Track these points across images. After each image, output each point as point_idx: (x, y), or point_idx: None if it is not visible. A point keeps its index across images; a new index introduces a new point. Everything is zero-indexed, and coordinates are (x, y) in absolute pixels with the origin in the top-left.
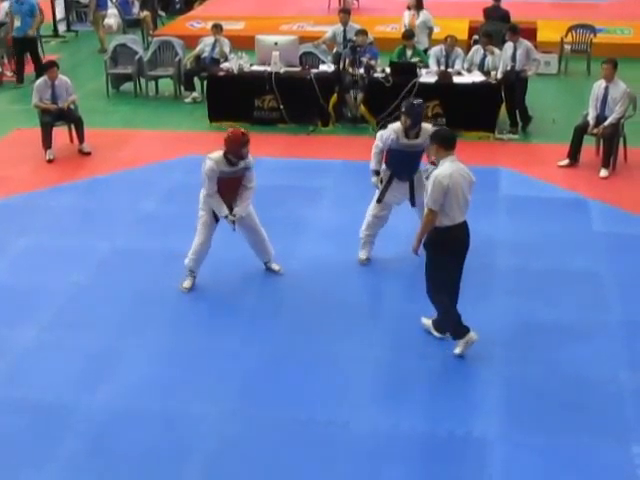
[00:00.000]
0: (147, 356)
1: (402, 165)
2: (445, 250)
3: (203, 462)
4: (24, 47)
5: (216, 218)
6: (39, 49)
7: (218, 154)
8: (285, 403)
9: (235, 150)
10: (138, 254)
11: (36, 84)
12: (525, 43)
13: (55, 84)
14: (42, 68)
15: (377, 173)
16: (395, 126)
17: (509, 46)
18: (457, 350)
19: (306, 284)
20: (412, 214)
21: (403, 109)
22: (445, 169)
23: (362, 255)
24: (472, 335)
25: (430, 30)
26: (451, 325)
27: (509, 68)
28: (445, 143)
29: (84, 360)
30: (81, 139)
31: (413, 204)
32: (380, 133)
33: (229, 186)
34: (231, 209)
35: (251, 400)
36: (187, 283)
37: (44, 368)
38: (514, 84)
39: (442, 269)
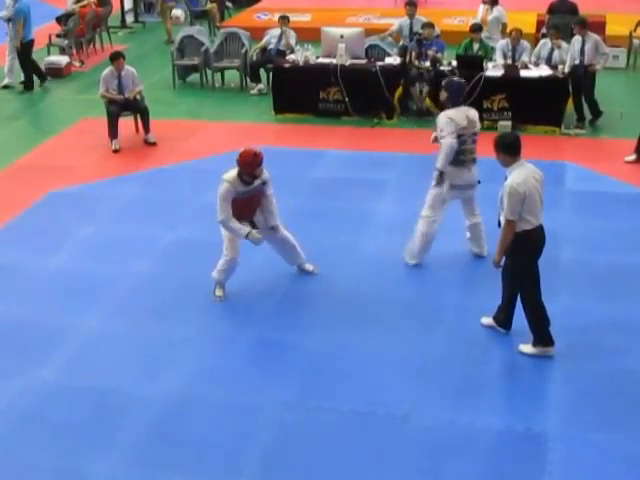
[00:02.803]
0: (207, 345)
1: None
2: (528, 252)
3: (262, 452)
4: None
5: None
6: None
7: (232, 175)
8: (344, 395)
9: (249, 172)
10: (201, 244)
11: (103, 74)
12: (594, 37)
13: (121, 74)
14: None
15: (442, 174)
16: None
17: (577, 40)
18: (526, 349)
19: (367, 278)
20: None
21: (443, 83)
22: (517, 176)
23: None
24: (551, 350)
25: (503, 26)
26: (538, 330)
27: (577, 62)
28: (510, 150)
29: (145, 348)
30: (147, 129)
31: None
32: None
33: (247, 203)
34: (252, 223)
35: (311, 391)
36: (219, 291)
37: (106, 356)
38: (582, 78)
39: (527, 271)
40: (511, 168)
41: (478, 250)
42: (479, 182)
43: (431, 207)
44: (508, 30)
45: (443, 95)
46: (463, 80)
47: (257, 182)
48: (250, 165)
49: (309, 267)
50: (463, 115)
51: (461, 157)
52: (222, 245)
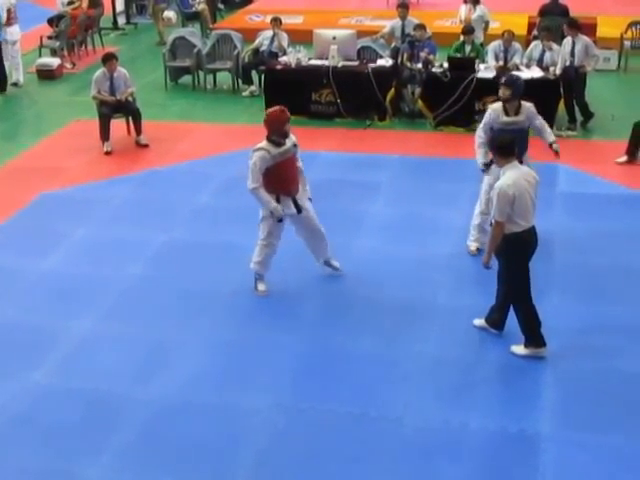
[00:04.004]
0: (201, 348)
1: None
2: (518, 254)
3: (255, 455)
4: None
5: (279, 218)
6: None
7: (263, 142)
8: (337, 397)
9: (279, 128)
10: (194, 246)
11: (95, 76)
12: (584, 39)
13: (114, 76)
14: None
15: (487, 166)
16: (494, 105)
17: (568, 41)
18: (517, 350)
19: (361, 279)
20: (468, 208)
21: (503, 81)
22: (508, 178)
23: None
24: (543, 351)
25: (486, 24)
26: (529, 331)
27: (568, 64)
28: (504, 151)
29: (139, 351)
30: (138, 131)
31: None
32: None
33: (287, 169)
34: (295, 203)
35: (304, 394)
36: (261, 286)
37: (99, 359)
38: (572, 80)
39: (517, 273)
40: (504, 169)
41: None
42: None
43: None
44: (501, 32)
45: (505, 92)
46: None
47: (288, 143)
48: (279, 120)
49: (335, 263)
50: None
51: None
52: (216, 247)
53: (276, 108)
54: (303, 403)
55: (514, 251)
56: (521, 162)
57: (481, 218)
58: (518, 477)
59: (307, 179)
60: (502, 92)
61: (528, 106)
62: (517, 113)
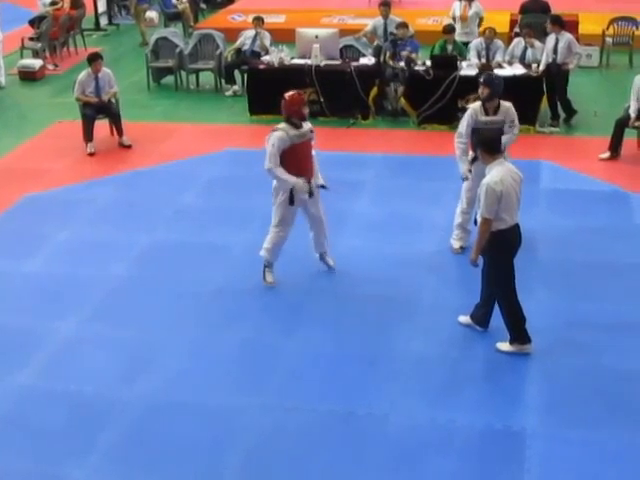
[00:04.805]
0: (186, 349)
1: None
2: (503, 252)
3: (242, 454)
4: None
5: (291, 200)
6: None
7: (281, 124)
8: (324, 397)
9: (297, 110)
10: (178, 247)
11: (79, 77)
12: (567, 36)
13: (99, 76)
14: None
15: (470, 172)
16: (473, 105)
17: (551, 38)
18: (503, 347)
19: (345, 278)
20: (452, 206)
21: (482, 80)
22: (495, 175)
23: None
24: (528, 348)
25: (480, 20)
26: (514, 328)
27: (550, 60)
28: (490, 148)
29: (123, 353)
30: (120, 132)
31: None
32: None
33: (304, 152)
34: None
35: (289, 394)
36: (269, 277)
37: (83, 360)
38: (555, 77)
39: (502, 270)
40: (490, 166)
41: None
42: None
43: None
44: (482, 29)
45: (483, 92)
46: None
47: (306, 127)
48: (297, 102)
49: (330, 261)
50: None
51: None
52: (199, 247)
53: (293, 92)
54: (288, 403)
55: (499, 248)
56: None
57: (462, 217)
58: (504, 473)
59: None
60: (481, 91)
61: (507, 106)
62: (496, 112)
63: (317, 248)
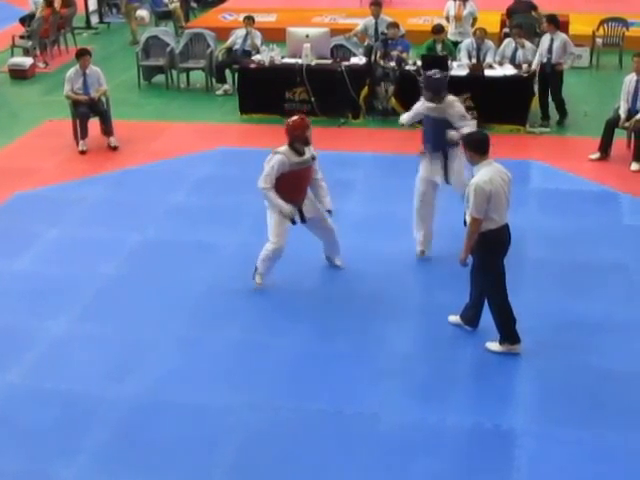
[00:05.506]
0: (175, 348)
1: (429, 134)
2: (493, 252)
3: (231, 453)
4: None
5: (292, 220)
6: None
7: (284, 147)
8: (313, 396)
9: (301, 135)
10: (168, 246)
11: (68, 74)
12: (562, 36)
13: (87, 73)
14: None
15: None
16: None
17: (546, 38)
18: (492, 347)
19: (334, 277)
20: (442, 206)
21: (421, 84)
22: (484, 174)
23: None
24: (518, 348)
25: (474, 20)
26: (504, 328)
27: (545, 60)
28: (478, 148)
29: (113, 352)
30: (109, 132)
31: (447, 180)
32: None
33: (301, 179)
34: (300, 211)
35: (278, 393)
36: (259, 278)
37: (73, 359)
38: (549, 76)
39: (492, 270)
40: (478, 166)
41: None
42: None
43: None
44: (473, 29)
45: (426, 94)
46: (436, 71)
47: (308, 154)
48: (301, 127)
49: (338, 262)
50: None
51: None
52: (189, 246)
53: (297, 117)
54: (277, 402)
55: (489, 249)
56: (446, 155)
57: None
58: (494, 472)
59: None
60: (424, 94)
61: (451, 100)
62: (441, 102)
63: (329, 252)
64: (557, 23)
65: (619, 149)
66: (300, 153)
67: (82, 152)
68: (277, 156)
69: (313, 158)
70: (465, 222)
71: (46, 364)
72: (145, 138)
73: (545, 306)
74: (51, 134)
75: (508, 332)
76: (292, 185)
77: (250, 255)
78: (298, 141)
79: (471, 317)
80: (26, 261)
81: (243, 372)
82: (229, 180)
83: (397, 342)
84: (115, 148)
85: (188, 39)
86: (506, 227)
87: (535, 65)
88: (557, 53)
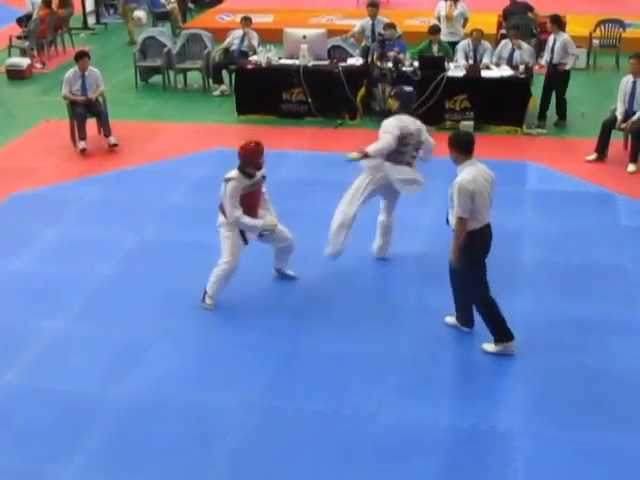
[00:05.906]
0: (172, 348)
1: None
2: (477, 251)
3: (228, 454)
4: None
5: (244, 239)
6: None
7: (235, 173)
8: (309, 396)
9: (254, 161)
10: (165, 246)
11: (66, 75)
12: (564, 36)
13: (85, 75)
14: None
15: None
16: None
17: (551, 38)
18: (488, 348)
19: (328, 279)
20: (437, 207)
21: (392, 93)
22: (467, 174)
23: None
24: (512, 345)
25: (465, 21)
26: (495, 327)
27: (549, 60)
28: (464, 148)
29: (111, 351)
30: (107, 132)
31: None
32: None
33: (252, 199)
34: (241, 232)
35: (276, 393)
36: (209, 300)
37: (71, 359)
38: (552, 77)
39: (476, 269)
40: (462, 166)
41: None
42: None
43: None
44: (469, 31)
45: (394, 104)
46: (412, 89)
47: (259, 175)
48: (254, 155)
49: (290, 272)
50: (413, 121)
51: (400, 157)
52: (187, 246)
53: (250, 142)
54: (274, 402)
55: (472, 249)
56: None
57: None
58: (490, 474)
59: (276, 181)
60: (392, 104)
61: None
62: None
63: (279, 264)
64: (559, 23)
65: (616, 150)
66: (251, 176)
67: (82, 151)
68: (230, 183)
69: (264, 177)
70: (447, 221)
71: (44, 364)
72: (142, 138)
73: (541, 307)
74: (48, 134)
75: (500, 330)
76: (245, 205)
77: (248, 255)
78: (251, 166)
79: (463, 318)
80: (23, 261)
81: (240, 372)
82: None
83: (393, 343)
84: (115, 145)
85: (185, 40)
86: (488, 226)
87: (544, 62)
88: (558, 53)
